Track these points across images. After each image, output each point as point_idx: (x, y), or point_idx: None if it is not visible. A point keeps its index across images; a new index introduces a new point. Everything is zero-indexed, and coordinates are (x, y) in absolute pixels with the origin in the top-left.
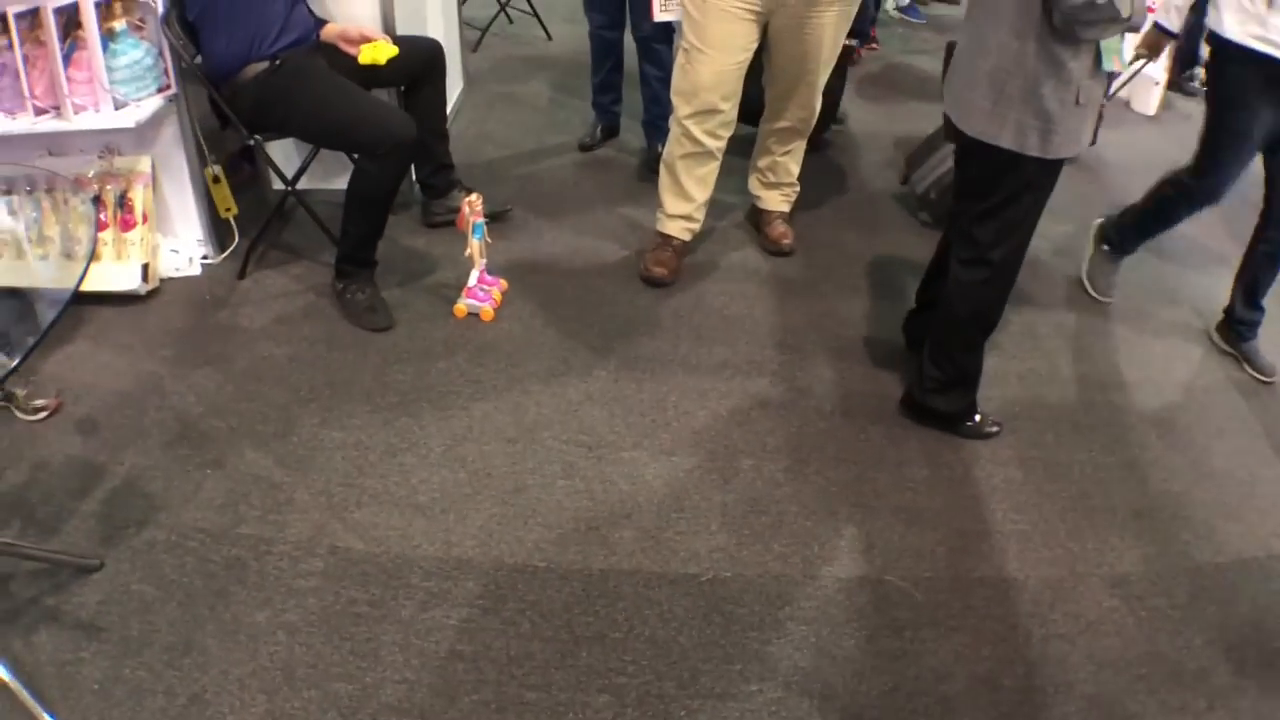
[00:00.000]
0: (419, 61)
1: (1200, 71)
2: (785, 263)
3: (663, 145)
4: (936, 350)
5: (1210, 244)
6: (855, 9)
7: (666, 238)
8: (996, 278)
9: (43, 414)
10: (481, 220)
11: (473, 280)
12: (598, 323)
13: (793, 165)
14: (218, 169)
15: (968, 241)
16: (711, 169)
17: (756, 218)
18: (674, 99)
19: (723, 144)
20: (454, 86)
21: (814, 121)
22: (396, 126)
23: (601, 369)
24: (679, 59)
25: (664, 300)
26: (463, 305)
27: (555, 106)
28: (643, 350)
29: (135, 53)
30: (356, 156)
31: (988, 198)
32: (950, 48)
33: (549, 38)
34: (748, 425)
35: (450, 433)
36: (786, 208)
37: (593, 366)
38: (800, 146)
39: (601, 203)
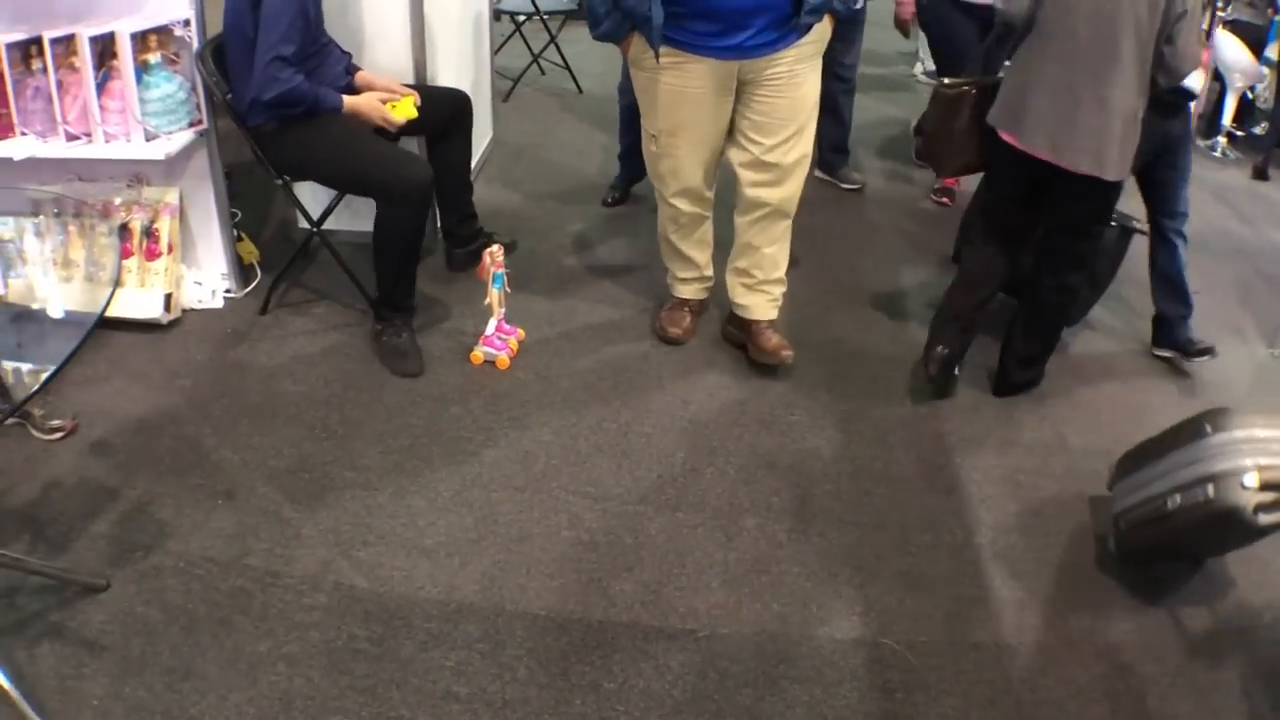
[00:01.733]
0: (446, 112)
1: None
2: (798, 323)
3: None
4: (1035, 340)
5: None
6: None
7: (682, 300)
8: (1091, 274)
9: (58, 434)
10: (502, 271)
11: (490, 329)
12: (611, 376)
13: (780, 259)
14: (238, 232)
15: (1071, 260)
16: (706, 228)
17: (740, 327)
18: (654, 181)
19: (711, 201)
20: (482, 135)
21: (798, 198)
22: (412, 173)
23: (612, 422)
24: (647, 145)
25: (677, 357)
26: (479, 353)
27: (582, 159)
28: (653, 405)
29: (168, 86)
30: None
31: (1099, 221)
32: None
33: (579, 90)
34: (754, 484)
35: (460, 478)
36: (775, 314)
37: (604, 419)
38: (786, 233)
39: (623, 257)
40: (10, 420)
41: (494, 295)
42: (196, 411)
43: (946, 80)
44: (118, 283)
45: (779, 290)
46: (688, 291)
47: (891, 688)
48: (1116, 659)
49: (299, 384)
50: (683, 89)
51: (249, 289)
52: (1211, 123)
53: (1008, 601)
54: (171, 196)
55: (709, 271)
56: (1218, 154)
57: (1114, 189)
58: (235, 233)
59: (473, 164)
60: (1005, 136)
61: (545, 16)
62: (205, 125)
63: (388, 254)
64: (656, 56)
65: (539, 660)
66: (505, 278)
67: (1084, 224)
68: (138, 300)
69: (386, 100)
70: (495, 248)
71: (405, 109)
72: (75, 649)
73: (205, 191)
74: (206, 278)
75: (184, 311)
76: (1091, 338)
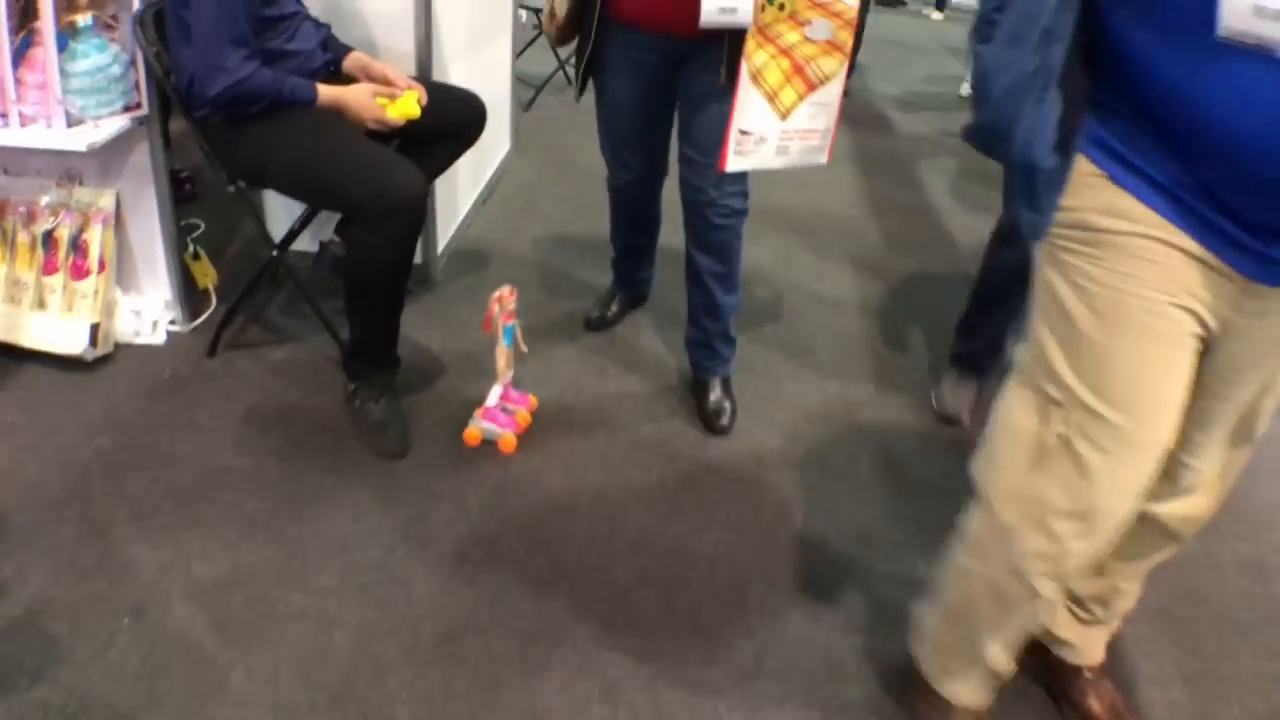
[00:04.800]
0: (454, 120)
1: None
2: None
3: (721, 387)
4: None
5: None
6: None
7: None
8: None
9: None
10: (514, 324)
11: (493, 398)
12: (657, 466)
13: (1136, 588)
14: (196, 246)
15: None
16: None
17: (1063, 680)
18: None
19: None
20: (500, 147)
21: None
22: (400, 182)
23: (659, 537)
24: (1047, 445)
25: (727, 451)
26: (476, 429)
27: None
28: (720, 513)
29: (99, 57)
30: (352, 223)
31: None
32: None
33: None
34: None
35: (448, 618)
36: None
37: (646, 538)
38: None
39: (669, 302)
40: None
41: (502, 354)
42: (112, 485)
43: None
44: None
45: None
46: (966, 695)
47: None
48: None
49: (245, 456)
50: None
51: (200, 320)
52: None
53: None
54: (105, 200)
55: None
56: None
57: None
58: (191, 248)
59: (483, 181)
60: None
61: None
62: (145, 110)
63: (364, 292)
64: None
65: None
66: (518, 332)
67: None
68: (59, 329)
69: (381, 95)
70: (505, 290)
71: (405, 107)
72: None
73: (147, 195)
74: (146, 305)
75: (117, 347)
76: None
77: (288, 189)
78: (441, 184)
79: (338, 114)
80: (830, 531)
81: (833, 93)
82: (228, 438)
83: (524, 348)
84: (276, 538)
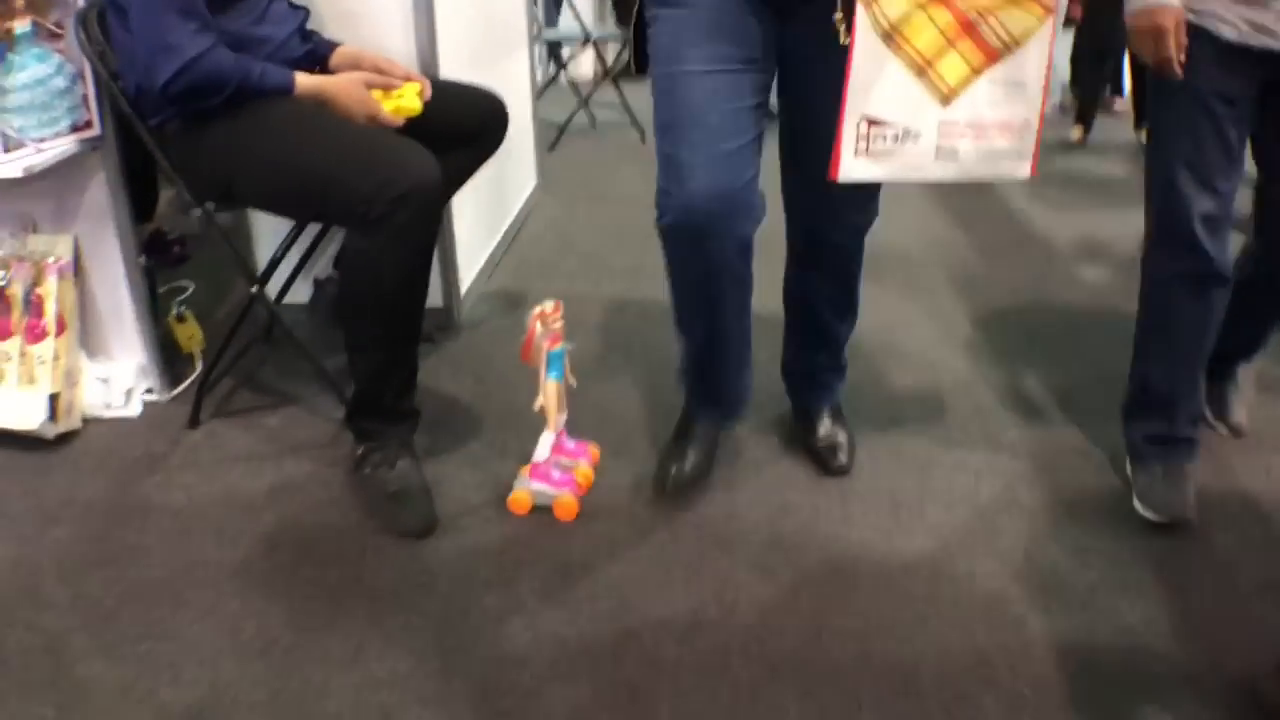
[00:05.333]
0: (468, 117)
1: None
2: None
3: (832, 418)
4: None
5: None
6: None
7: None
8: None
9: None
10: (562, 348)
11: (543, 450)
12: (765, 525)
13: None
14: (183, 308)
15: None
16: None
17: None
18: None
19: None
20: (525, 184)
21: None
22: (411, 164)
23: (805, 663)
24: None
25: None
26: (524, 493)
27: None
28: (870, 608)
29: (40, 68)
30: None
31: None
32: None
33: (644, 140)
34: None
35: None
36: None
37: (785, 646)
38: None
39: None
40: None
41: (551, 392)
42: (68, 587)
43: None
44: None
45: None
46: None
47: None
48: None
49: (227, 548)
50: None
51: (182, 388)
52: None
53: None
54: (61, 247)
55: None
56: None
57: None
58: (176, 310)
59: (509, 218)
60: None
61: (599, 42)
62: (96, 131)
63: (370, 318)
64: None
65: None
66: (567, 361)
67: None
68: (16, 403)
69: (375, 86)
70: (549, 305)
71: (405, 101)
72: None
73: (108, 239)
74: (116, 373)
75: (84, 421)
76: None
77: (266, 198)
78: (459, 218)
79: (320, 105)
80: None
81: (1031, 65)
82: (208, 522)
83: (573, 380)
84: (266, 650)
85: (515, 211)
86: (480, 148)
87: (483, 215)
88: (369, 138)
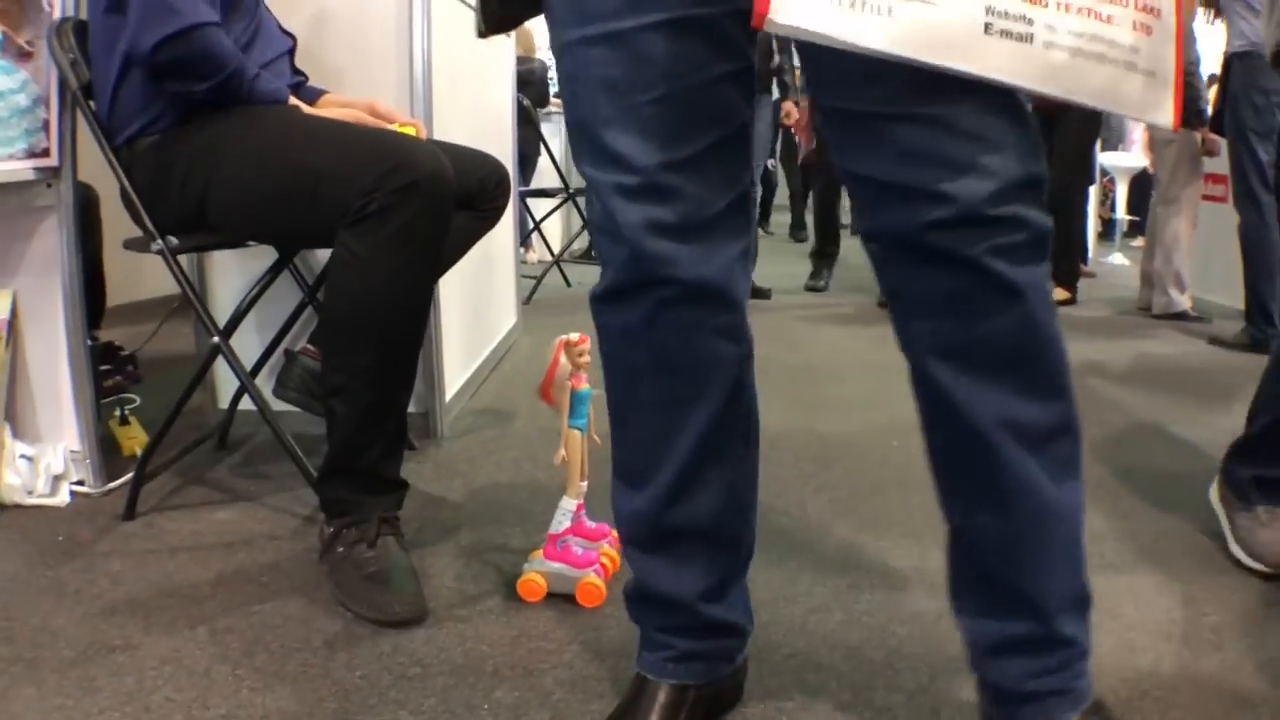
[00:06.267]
0: (469, 179)
1: None
2: None
3: None
4: None
5: None
6: None
7: None
8: None
9: None
10: (588, 390)
11: (563, 519)
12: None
13: None
14: (127, 411)
15: None
16: None
17: None
18: None
19: None
20: (506, 317)
21: None
22: (423, 156)
23: None
24: None
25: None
26: (536, 575)
27: None
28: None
29: (3, 79)
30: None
31: None
32: None
33: None
34: None
35: None
36: None
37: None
38: None
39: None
40: None
41: (575, 444)
42: None
43: None
44: None
45: None
46: None
47: None
48: None
49: (158, 634)
50: None
51: (118, 483)
52: None
53: None
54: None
55: None
56: None
57: None
58: (120, 413)
59: (494, 342)
60: None
61: (579, 198)
62: (54, 162)
63: (355, 344)
64: None
65: None
66: (592, 411)
67: None
68: None
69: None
70: (575, 336)
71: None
72: None
73: (52, 298)
74: (45, 455)
75: (1, 508)
76: None
77: (244, 211)
78: (448, 317)
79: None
80: None
81: None
82: (135, 611)
83: (596, 439)
84: None
85: (499, 338)
86: (481, 214)
87: (466, 331)
88: (372, 132)
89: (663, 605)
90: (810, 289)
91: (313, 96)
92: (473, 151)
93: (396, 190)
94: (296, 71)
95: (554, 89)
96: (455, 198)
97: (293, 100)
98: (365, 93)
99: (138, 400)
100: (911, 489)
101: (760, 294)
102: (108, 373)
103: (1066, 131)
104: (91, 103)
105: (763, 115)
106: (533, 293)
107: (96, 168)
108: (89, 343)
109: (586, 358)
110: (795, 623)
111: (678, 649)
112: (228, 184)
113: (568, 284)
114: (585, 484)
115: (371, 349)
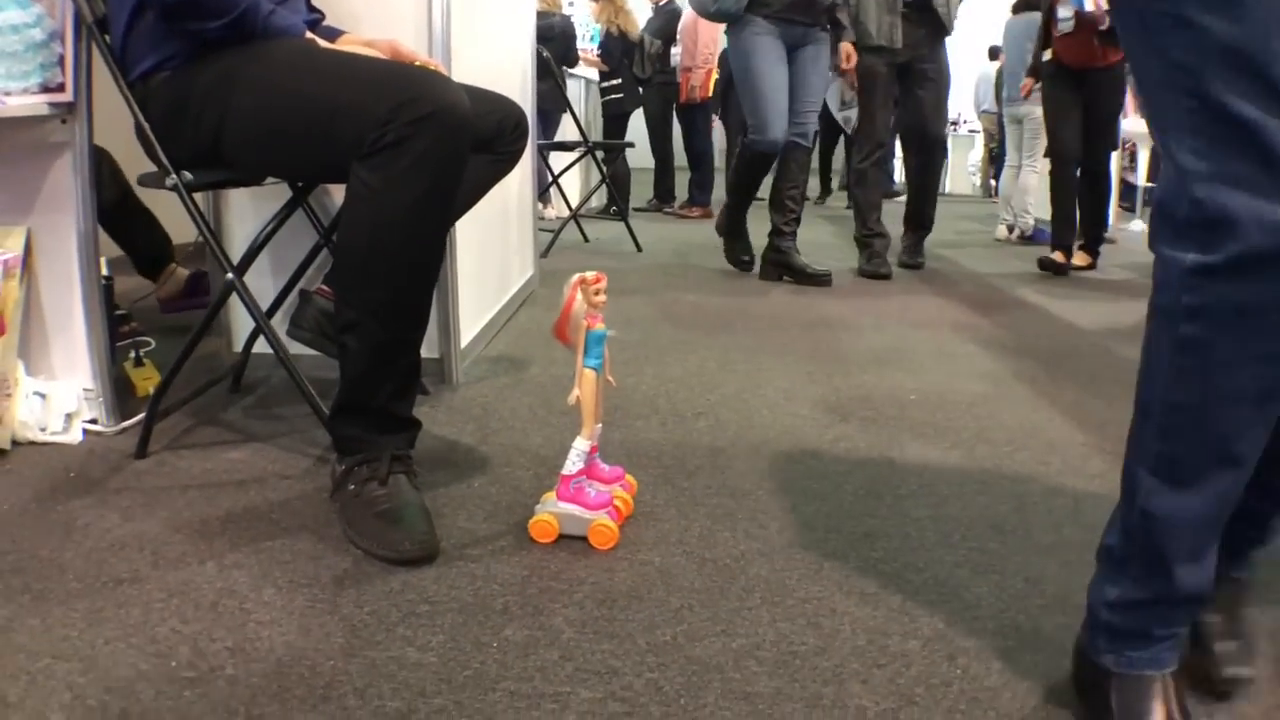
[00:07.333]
0: (487, 119)
1: None
2: None
3: None
4: None
5: None
6: None
7: None
8: None
9: None
10: (604, 330)
11: (575, 461)
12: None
13: None
14: (142, 354)
15: None
16: None
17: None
18: None
19: None
20: (525, 268)
21: None
22: (440, 88)
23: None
24: None
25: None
26: (548, 516)
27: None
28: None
29: (17, 13)
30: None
31: None
32: None
33: (639, 249)
34: None
35: None
36: None
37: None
38: None
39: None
40: None
41: (588, 384)
42: None
43: None
44: None
45: None
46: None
47: None
48: None
49: (166, 569)
50: None
51: (131, 422)
52: None
53: None
54: (13, 240)
55: None
56: None
57: None
58: (134, 355)
59: (510, 292)
60: None
61: (599, 153)
62: (69, 97)
63: (369, 278)
64: None
65: None
66: (608, 351)
67: None
68: None
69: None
70: (590, 273)
71: None
72: None
73: (66, 235)
74: (57, 392)
75: (14, 445)
76: None
77: (260, 142)
78: (464, 264)
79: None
80: None
81: None
82: (144, 545)
83: (612, 380)
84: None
85: (516, 288)
86: (498, 157)
87: (482, 280)
88: (388, 64)
89: (1196, 603)
90: (907, 266)
91: (331, 35)
92: (492, 94)
93: (413, 121)
94: (313, 9)
95: (580, 44)
96: (473, 137)
97: (309, 35)
98: (382, 36)
99: (153, 344)
100: (929, 440)
101: (819, 279)
102: (122, 318)
103: (1096, 95)
104: (106, 37)
105: (822, 54)
106: (550, 246)
107: (113, 109)
108: (103, 282)
109: (603, 296)
110: (810, 568)
111: (1180, 635)
112: (243, 117)
113: (585, 239)
114: (600, 426)
115: (385, 283)
